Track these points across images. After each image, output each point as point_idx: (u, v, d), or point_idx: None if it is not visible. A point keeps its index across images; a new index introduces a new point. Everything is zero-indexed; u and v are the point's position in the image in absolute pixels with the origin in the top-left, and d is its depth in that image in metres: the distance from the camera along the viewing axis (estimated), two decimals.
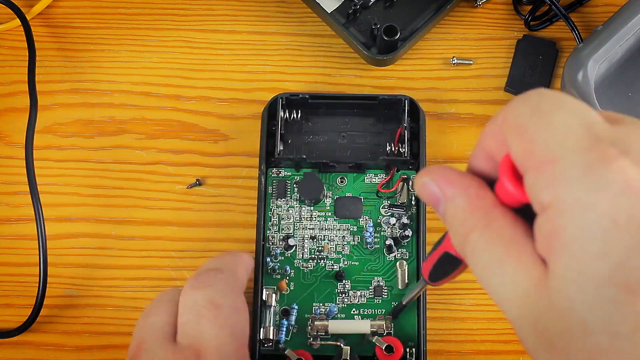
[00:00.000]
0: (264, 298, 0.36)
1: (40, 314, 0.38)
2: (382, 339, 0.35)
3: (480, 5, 0.43)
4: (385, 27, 0.39)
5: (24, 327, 0.38)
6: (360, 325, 0.36)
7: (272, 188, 0.39)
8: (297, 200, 0.39)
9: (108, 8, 0.44)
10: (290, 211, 0.39)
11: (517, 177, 0.19)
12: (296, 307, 0.37)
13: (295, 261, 0.38)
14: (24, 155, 0.39)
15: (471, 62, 0.42)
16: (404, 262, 0.37)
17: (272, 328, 0.36)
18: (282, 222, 0.38)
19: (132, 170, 0.41)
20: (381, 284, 0.37)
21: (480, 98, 0.42)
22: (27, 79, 0.41)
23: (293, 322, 0.36)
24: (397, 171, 0.39)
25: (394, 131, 0.40)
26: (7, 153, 0.41)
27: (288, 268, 0.37)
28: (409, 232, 0.38)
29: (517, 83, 0.42)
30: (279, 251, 0.38)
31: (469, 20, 0.43)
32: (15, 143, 0.41)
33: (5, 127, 0.42)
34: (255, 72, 0.42)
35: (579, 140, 0.17)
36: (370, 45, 0.41)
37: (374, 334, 0.36)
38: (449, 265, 0.24)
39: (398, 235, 0.38)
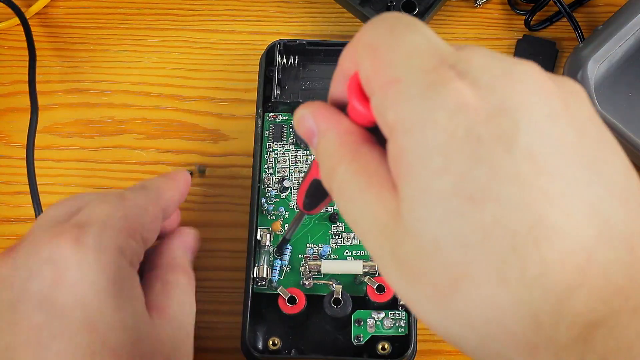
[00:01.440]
0: (258, 238, 0.37)
1: None
2: (374, 279, 0.35)
3: (480, 5, 0.43)
4: (404, 3, 0.40)
5: None
6: (353, 266, 0.36)
7: (269, 132, 0.39)
8: (292, 144, 0.39)
9: (108, 8, 0.44)
10: (286, 154, 0.39)
11: (366, 97, 0.20)
12: (290, 247, 0.37)
13: (290, 203, 0.38)
14: (24, 155, 0.39)
15: None
16: None
17: (265, 267, 0.36)
18: (277, 165, 0.39)
19: (132, 170, 0.41)
20: None
21: None
22: (26, 79, 0.40)
23: (286, 262, 0.37)
24: None
25: None
26: (7, 153, 0.41)
27: (283, 209, 0.38)
28: None
29: None
30: (274, 193, 0.38)
31: (469, 20, 0.43)
32: (15, 143, 0.41)
33: (5, 127, 0.42)
34: (255, 72, 0.42)
35: (423, 61, 0.18)
36: None
37: (365, 274, 0.36)
38: (319, 191, 0.25)
39: None
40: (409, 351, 0.35)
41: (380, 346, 0.35)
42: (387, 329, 0.35)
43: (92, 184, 0.41)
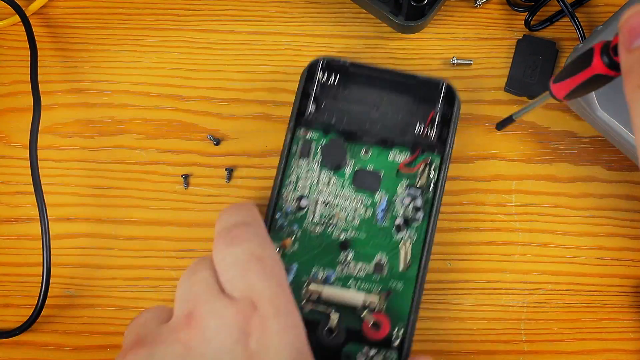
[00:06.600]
0: None
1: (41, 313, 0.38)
2: (373, 315, 0.35)
3: (480, 5, 0.43)
4: None
5: (24, 327, 0.38)
6: (353, 297, 0.36)
7: (297, 147, 0.39)
8: (318, 163, 0.39)
9: (108, 8, 0.44)
10: (310, 173, 0.39)
11: None
12: (295, 266, 0.37)
13: (305, 223, 0.38)
14: (24, 155, 0.39)
15: (471, 62, 0.42)
16: (408, 242, 0.37)
17: None
18: (299, 182, 0.39)
19: (132, 170, 0.41)
20: (383, 261, 0.37)
21: (480, 98, 0.42)
22: (26, 79, 0.41)
23: (290, 281, 0.36)
24: (422, 153, 0.39)
25: (427, 112, 0.39)
26: (8, 153, 0.41)
27: (296, 227, 0.38)
28: (419, 215, 0.38)
29: (517, 83, 0.42)
30: (290, 209, 0.38)
31: (469, 20, 0.43)
32: (15, 143, 0.41)
33: (6, 127, 0.42)
34: (255, 72, 0.42)
35: None
36: (396, 13, 0.41)
37: (364, 307, 0.36)
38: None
39: (409, 216, 0.38)
40: None
41: None
42: None
43: (92, 184, 0.41)
